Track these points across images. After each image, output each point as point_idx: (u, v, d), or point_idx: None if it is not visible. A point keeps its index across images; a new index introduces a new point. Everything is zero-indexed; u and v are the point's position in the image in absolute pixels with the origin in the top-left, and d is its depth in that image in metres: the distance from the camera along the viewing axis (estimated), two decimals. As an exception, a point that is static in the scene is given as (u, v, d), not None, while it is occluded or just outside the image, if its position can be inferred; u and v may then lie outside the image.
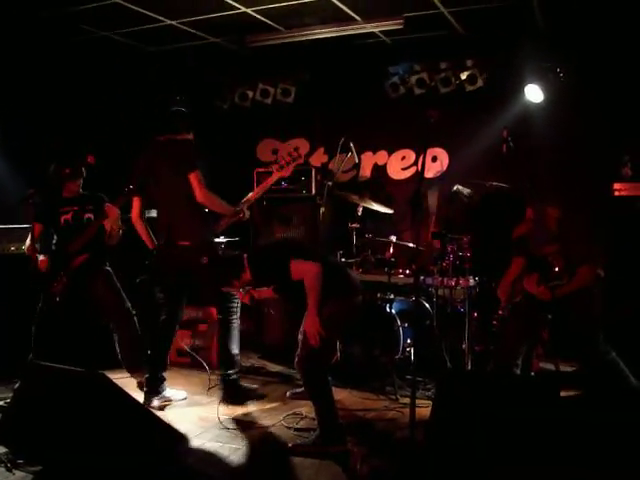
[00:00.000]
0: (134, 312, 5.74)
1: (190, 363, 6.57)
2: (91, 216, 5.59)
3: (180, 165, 5.16)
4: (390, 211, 6.59)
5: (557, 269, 4.72)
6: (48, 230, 5.64)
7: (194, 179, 5.12)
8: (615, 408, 3.37)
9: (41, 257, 5.51)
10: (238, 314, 5.52)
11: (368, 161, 7.85)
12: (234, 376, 5.42)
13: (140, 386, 5.68)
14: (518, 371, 4.86)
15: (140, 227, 5.46)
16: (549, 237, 4.78)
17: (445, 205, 6.73)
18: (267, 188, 5.63)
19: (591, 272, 4.62)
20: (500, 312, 5.41)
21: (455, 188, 6.27)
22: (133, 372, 5.75)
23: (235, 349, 5.45)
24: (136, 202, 5.42)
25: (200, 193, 5.13)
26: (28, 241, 5.55)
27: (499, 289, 5.13)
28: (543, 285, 4.75)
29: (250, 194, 5.60)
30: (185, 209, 5.21)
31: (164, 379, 5.34)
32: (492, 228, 6.13)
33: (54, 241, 5.65)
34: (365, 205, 6.42)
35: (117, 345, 5.70)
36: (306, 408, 5.19)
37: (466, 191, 6.24)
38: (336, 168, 6.95)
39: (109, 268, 5.76)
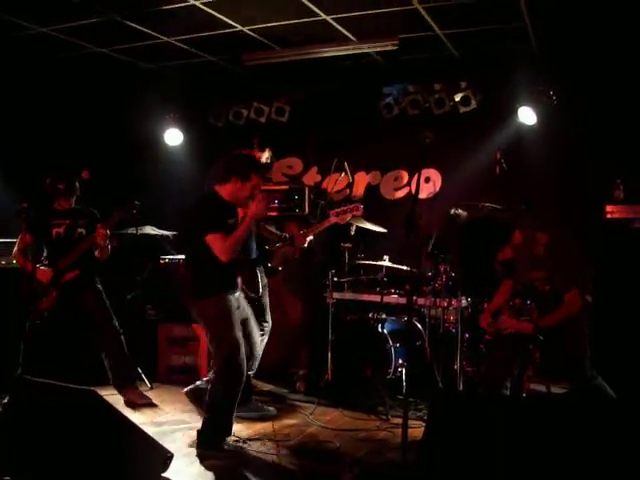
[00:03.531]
0: (121, 330, 5.71)
1: (180, 381, 6.54)
2: (83, 231, 5.59)
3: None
4: (383, 230, 6.59)
5: (529, 302, 4.69)
6: (38, 242, 5.62)
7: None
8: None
9: (42, 267, 5.51)
10: (265, 339, 5.62)
11: (361, 181, 7.86)
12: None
13: (128, 404, 5.65)
14: (507, 392, 4.85)
15: None
16: (535, 262, 4.76)
17: (441, 226, 6.73)
18: (321, 229, 5.56)
19: (578, 299, 4.58)
20: (488, 337, 5.39)
21: (452, 212, 6.28)
22: (121, 390, 5.72)
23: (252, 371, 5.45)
24: None
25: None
26: (15, 250, 5.55)
27: (481, 317, 5.07)
28: (514, 320, 4.71)
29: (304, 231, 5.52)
30: None
31: None
32: (479, 250, 6.13)
33: (44, 254, 5.63)
34: (358, 224, 6.42)
35: (105, 362, 5.67)
36: (294, 429, 5.19)
37: (464, 214, 6.27)
38: (329, 188, 6.96)
39: (99, 286, 5.75)
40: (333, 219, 5.38)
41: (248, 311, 5.06)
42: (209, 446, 4.58)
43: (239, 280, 4.91)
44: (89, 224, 5.57)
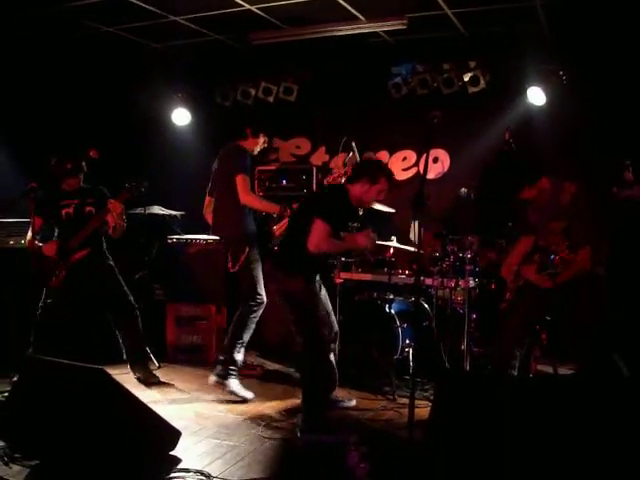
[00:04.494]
0: (137, 306, 5.74)
1: (187, 359, 6.57)
2: (92, 210, 5.58)
3: (230, 167, 5.54)
4: (392, 210, 6.58)
5: (553, 257, 4.68)
6: (48, 223, 5.62)
7: (239, 181, 5.42)
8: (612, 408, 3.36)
9: (45, 245, 5.51)
10: (259, 313, 5.56)
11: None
12: (233, 375, 5.41)
13: (139, 381, 5.68)
14: (515, 372, 4.86)
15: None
16: (558, 212, 4.74)
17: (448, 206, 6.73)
18: None
19: (589, 258, 4.58)
20: (508, 295, 5.38)
21: (462, 191, 6.26)
22: (133, 367, 5.74)
23: (240, 344, 5.48)
24: (207, 200, 5.84)
25: (242, 195, 5.44)
26: (29, 235, 5.54)
27: (503, 268, 5.08)
28: (539, 274, 4.70)
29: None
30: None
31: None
32: (502, 184, 6.06)
33: (56, 234, 5.63)
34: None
35: (121, 340, 5.69)
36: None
37: (471, 193, 6.26)
38: (337, 167, 6.95)
39: (112, 262, 5.76)
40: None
41: (324, 292, 5.17)
42: (308, 423, 4.59)
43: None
44: (98, 202, 5.57)
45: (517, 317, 4.93)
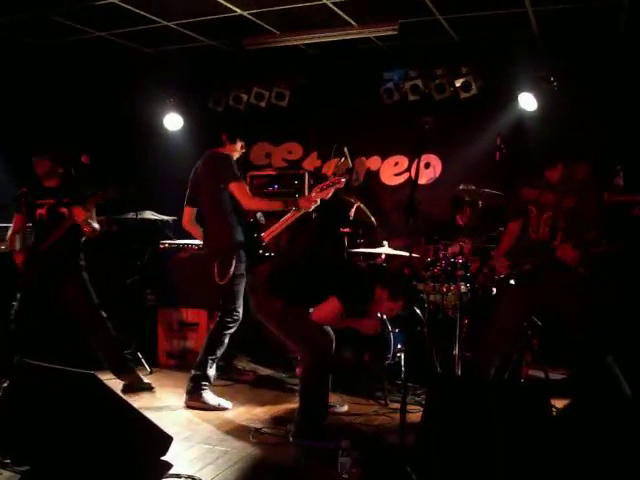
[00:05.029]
0: (106, 316, 5.59)
1: (179, 365, 6.56)
2: (65, 211, 5.43)
3: (218, 176, 5.39)
4: (372, 220, 6.53)
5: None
6: (29, 223, 5.57)
7: (235, 188, 5.33)
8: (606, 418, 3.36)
9: (17, 251, 5.49)
10: (233, 329, 5.45)
11: (361, 166, 7.87)
12: (206, 388, 5.32)
13: (127, 388, 5.64)
14: (492, 370, 4.86)
15: (194, 231, 5.70)
16: (571, 188, 4.71)
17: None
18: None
19: (598, 239, 4.59)
20: (500, 276, 5.32)
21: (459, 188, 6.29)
22: (119, 375, 5.69)
23: (213, 360, 5.36)
24: (187, 211, 5.66)
25: (244, 201, 5.35)
26: (9, 233, 5.51)
27: (496, 260, 5.01)
28: (579, 250, 4.62)
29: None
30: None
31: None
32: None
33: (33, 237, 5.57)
34: (360, 205, 6.41)
35: (98, 352, 5.60)
36: (293, 413, 5.20)
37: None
38: (329, 173, 6.95)
39: (84, 274, 5.58)
40: (318, 194, 5.39)
41: None
42: (301, 428, 4.54)
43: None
44: (74, 203, 5.38)
45: (517, 296, 4.88)
